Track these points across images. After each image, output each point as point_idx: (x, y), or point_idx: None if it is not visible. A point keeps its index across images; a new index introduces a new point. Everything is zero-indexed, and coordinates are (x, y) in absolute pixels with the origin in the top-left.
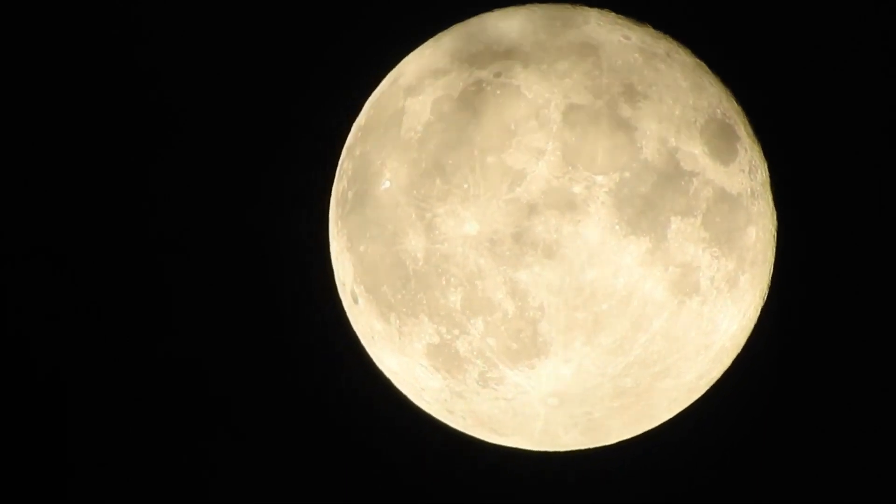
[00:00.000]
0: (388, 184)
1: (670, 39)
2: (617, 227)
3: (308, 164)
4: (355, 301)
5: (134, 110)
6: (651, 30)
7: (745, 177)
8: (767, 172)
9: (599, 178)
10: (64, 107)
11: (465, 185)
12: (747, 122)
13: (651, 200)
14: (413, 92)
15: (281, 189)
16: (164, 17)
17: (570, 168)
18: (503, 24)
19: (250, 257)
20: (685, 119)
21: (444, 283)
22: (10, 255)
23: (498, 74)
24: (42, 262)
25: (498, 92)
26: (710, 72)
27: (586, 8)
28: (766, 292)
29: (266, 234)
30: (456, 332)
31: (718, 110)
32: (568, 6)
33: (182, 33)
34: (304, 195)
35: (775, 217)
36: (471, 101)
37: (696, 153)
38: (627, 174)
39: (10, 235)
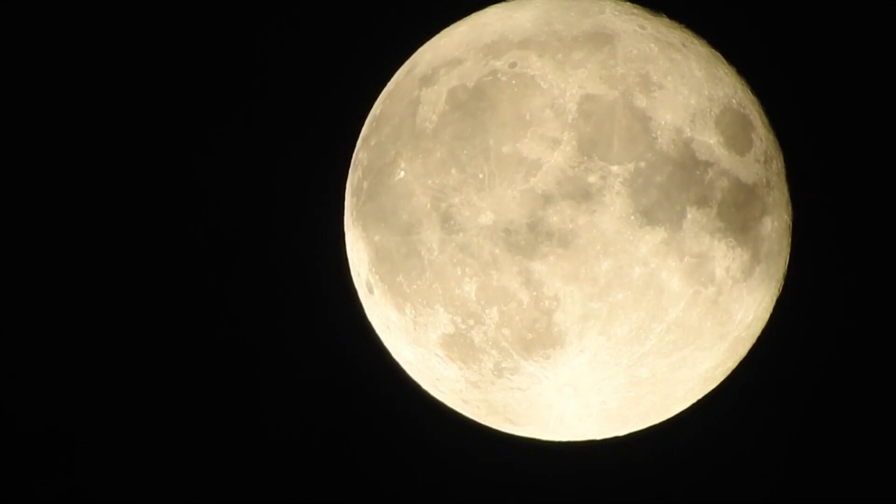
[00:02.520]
0: (403, 174)
1: (685, 29)
2: (632, 217)
3: (323, 155)
4: (370, 291)
5: (149, 102)
6: (666, 20)
7: (760, 167)
8: (783, 162)
9: (615, 168)
10: (79, 106)
11: (481, 175)
12: (762, 112)
13: (666, 190)
14: (428, 82)
15: (296, 179)
16: (183, 6)
17: (585, 158)
18: (519, 15)
19: (265, 247)
20: (700, 109)
21: (459, 273)
22: (37, 255)
23: (513, 64)
24: (72, 255)
25: (513, 82)
26: (725, 62)
27: None
28: (782, 282)
29: (281, 224)
30: (471, 322)
31: (734, 100)
32: None
33: (199, 24)
34: (320, 185)
35: (791, 207)
36: (486, 91)
37: (711, 143)
38: (643, 164)
39: (23, 235)
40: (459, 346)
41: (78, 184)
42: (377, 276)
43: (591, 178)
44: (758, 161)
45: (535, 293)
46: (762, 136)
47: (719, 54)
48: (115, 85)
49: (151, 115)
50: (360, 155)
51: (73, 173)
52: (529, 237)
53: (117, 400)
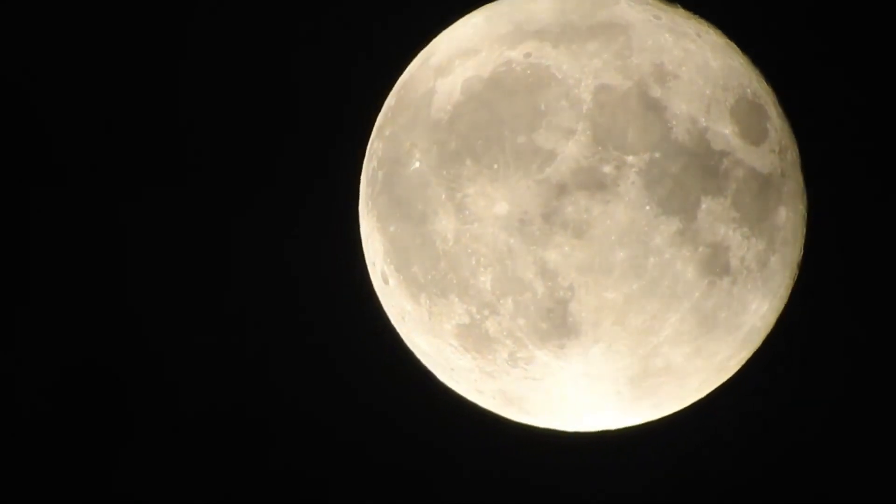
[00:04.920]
0: (417, 164)
1: (700, 20)
2: (647, 207)
3: (338, 145)
4: (385, 282)
5: (159, 91)
6: (681, 10)
7: (775, 157)
8: (798, 152)
9: (629, 159)
10: (79, 107)
11: (495, 166)
12: (777, 102)
13: (681, 180)
14: (443, 72)
15: (311, 169)
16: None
17: (600, 148)
18: (534, 5)
19: (279, 237)
20: (715, 99)
21: (474, 263)
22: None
23: (528, 55)
24: (77, 258)
25: (528, 72)
26: (740, 52)
27: None
28: (797, 272)
29: (296, 215)
30: (486, 312)
31: (748, 90)
32: None
33: (209, 17)
34: (335, 175)
35: (805, 197)
36: (501, 82)
37: (726, 133)
38: (658, 154)
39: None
40: (474, 336)
41: (78, 180)
42: (392, 267)
43: (606, 169)
44: (773, 151)
45: (549, 283)
46: (777, 126)
47: (734, 44)
48: (125, 83)
49: (160, 104)
50: (375, 145)
51: (72, 170)
52: (544, 227)
53: (119, 398)
